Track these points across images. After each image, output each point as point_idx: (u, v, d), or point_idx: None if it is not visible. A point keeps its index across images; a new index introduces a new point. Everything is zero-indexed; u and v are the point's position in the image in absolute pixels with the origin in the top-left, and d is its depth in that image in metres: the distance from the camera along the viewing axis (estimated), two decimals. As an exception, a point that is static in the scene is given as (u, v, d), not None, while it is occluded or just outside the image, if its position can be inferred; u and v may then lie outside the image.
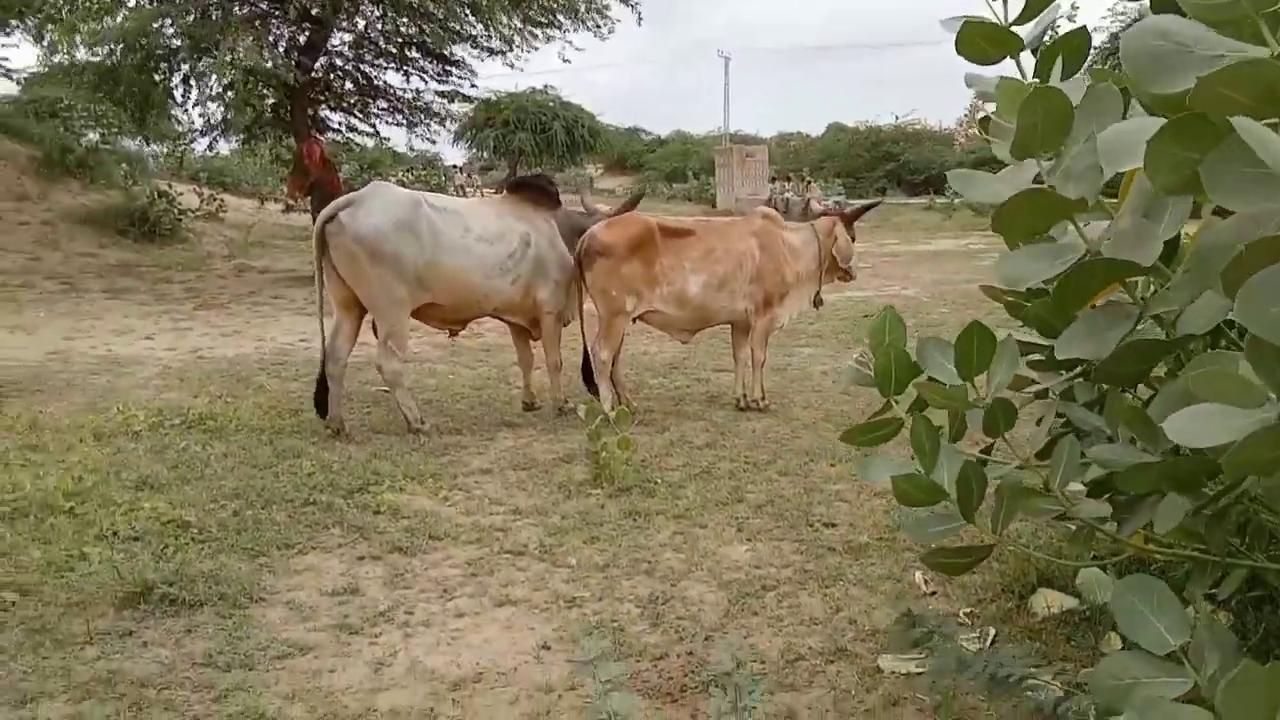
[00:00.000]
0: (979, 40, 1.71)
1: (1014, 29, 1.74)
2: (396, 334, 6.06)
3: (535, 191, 6.62)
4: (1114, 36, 22.74)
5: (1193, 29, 1.34)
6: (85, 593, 3.65)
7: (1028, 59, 1.87)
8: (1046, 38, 1.87)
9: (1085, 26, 1.77)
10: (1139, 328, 1.82)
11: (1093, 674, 1.65)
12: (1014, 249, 2.42)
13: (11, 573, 3.80)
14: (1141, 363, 1.87)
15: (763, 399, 6.68)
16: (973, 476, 1.91)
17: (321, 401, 6.06)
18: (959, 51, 1.74)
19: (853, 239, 6.83)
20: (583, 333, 6.59)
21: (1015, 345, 1.96)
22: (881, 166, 39.70)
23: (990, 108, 1.93)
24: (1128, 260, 1.66)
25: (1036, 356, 2.48)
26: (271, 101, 15.68)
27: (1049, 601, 3.35)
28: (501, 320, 6.74)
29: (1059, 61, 1.76)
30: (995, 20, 1.74)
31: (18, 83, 21.35)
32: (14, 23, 16.94)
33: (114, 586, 3.63)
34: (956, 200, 30.10)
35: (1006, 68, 1.81)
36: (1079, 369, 2.43)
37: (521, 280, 6.29)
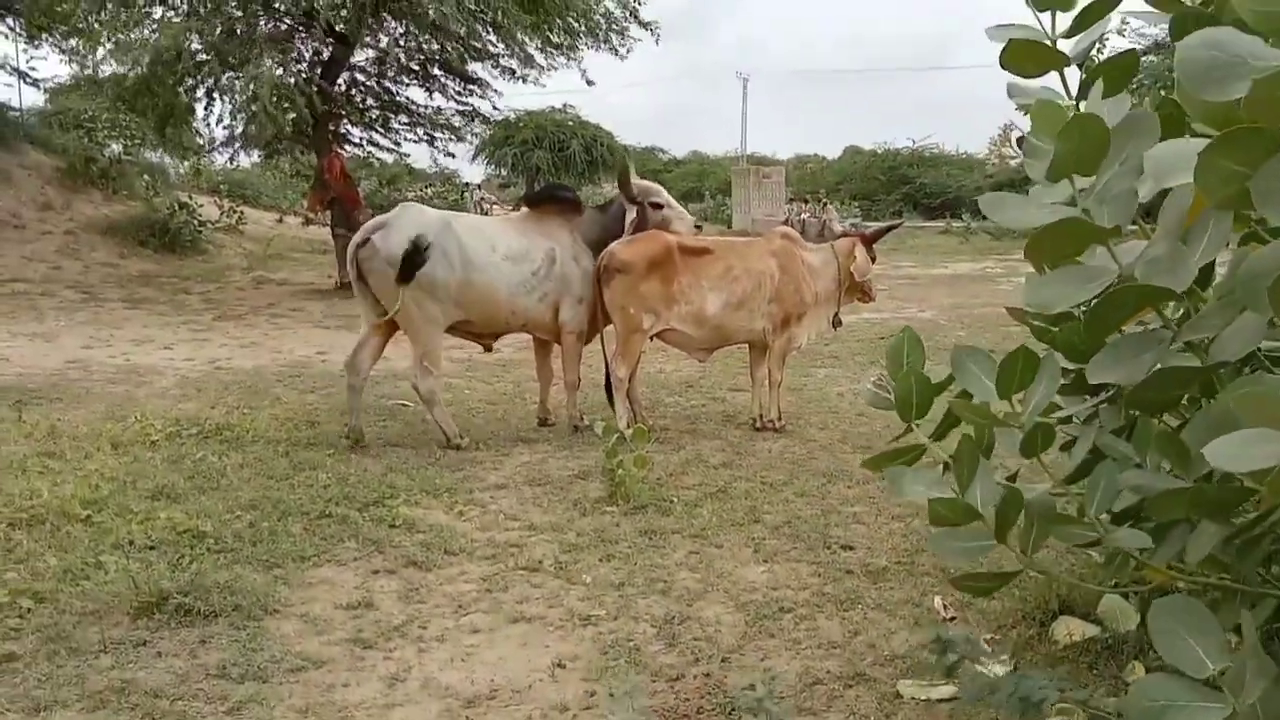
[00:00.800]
0: (1024, 57, 1.70)
1: (1060, 45, 1.73)
2: (431, 353, 6.12)
3: (555, 203, 6.63)
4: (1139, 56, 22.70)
5: (1247, 41, 1.32)
6: (101, 601, 3.65)
7: (1071, 74, 1.86)
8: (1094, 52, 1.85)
9: (1135, 50, 1.75)
10: (1170, 351, 1.80)
11: (1127, 696, 1.62)
12: (1042, 273, 2.41)
13: (28, 580, 3.80)
14: (1174, 389, 1.85)
15: (779, 419, 6.65)
16: (1011, 501, 1.89)
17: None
18: (1003, 65, 1.73)
19: (873, 260, 6.80)
20: (604, 349, 6.58)
21: (1057, 365, 1.93)
22: (898, 189, 39.66)
23: (1024, 125, 1.92)
24: (1161, 286, 1.64)
25: (1062, 381, 2.46)
26: (293, 116, 15.80)
27: (1070, 629, 3.30)
28: (530, 334, 6.75)
29: (1099, 81, 1.74)
30: (1042, 32, 1.73)
31: (44, 93, 21.66)
32: (43, 35, 17.16)
33: (129, 595, 3.62)
34: (974, 224, 30.07)
35: (1048, 78, 1.80)
36: (1106, 394, 2.40)
37: (550, 298, 6.33)
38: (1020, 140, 1.96)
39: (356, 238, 6.10)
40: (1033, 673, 2.90)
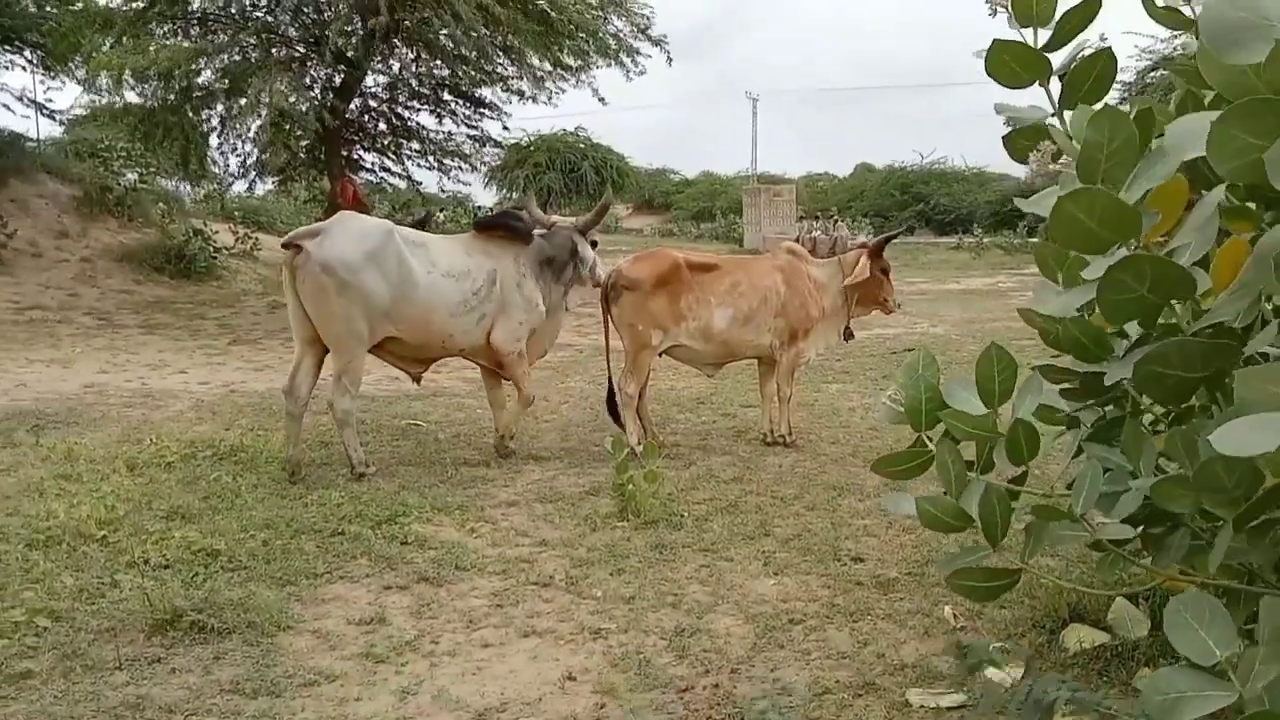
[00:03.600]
0: (1008, 61, 1.73)
1: (1042, 53, 1.75)
2: (352, 371, 5.77)
3: (504, 230, 6.32)
4: (1141, 74, 22.71)
5: (1274, 4, 1.33)
6: (116, 619, 3.69)
7: (1054, 86, 1.88)
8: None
9: (1110, 48, 1.78)
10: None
11: (1144, 690, 1.63)
12: (1052, 279, 2.42)
13: (44, 599, 3.84)
14: (1185, 368, 1.82)
15: (789, 434, 6.66)
16: (996, 500, 1.90)
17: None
18: (988, 72, 1.75)
19: (887, 271, 6.74)
20: (608, 367, 6.61)
21: (1039, 378, 1.94)
22: (910, 206, 39.66)
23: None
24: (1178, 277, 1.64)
25: (1067, 385, 2.47)
26: (306, 143, 15.97)
27: (1080, 637, 3.30)
28: (471, 361, 6.49)
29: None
30: (1025, 42, 1.75)
31: (61, 124, 21.95)
32: (59, 66, 17.41)
33: (144, 613, 3.66)
34: (985, 239, 30.06)
35: (1035, 95, 1.82)
36: (1111, 394, 2.41)
37: (486, 319, 6.06)
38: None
39: (288, 239, 5.76)
40: (1044, 677, 2.90)
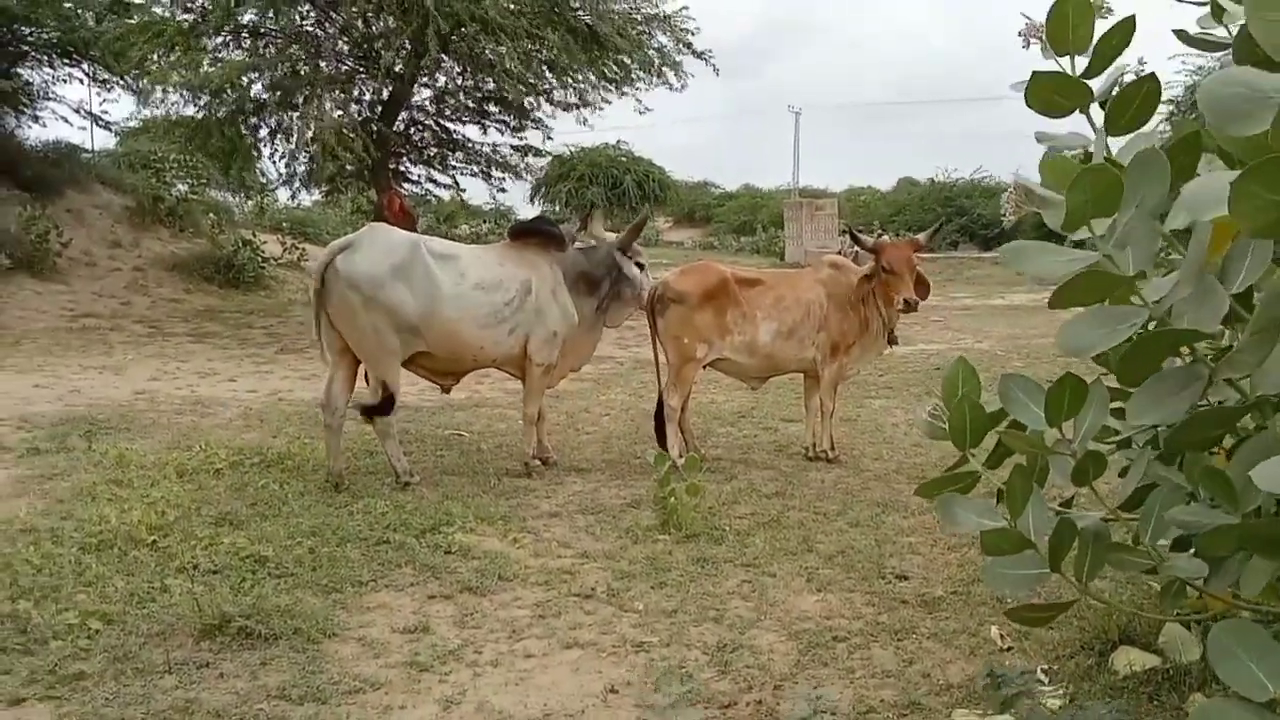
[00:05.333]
0: (1048, 91, 1.72)
1: (1083, 81, 1.74)
2: (389, 384, 5.77)
3: (539, 236, 6.31)
4: (1190, 89, 22.35)
5: (1270, 79, 1.33)
6: (165, 623, 3.75)
7: (1096, 113, 1.86)
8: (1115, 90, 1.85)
9: (1155, 73, 1.75)
10: (1211, 389, 1.77)
11: (1193, 718, 1.60)
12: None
13: (97, 602, 3.91)
14: (1214, 429, 1.82)
15: (832, 449, 6.62)
16: (1065, 530, 1.87)
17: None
18: (1028, 104, 1.74)
19: (890, 269, 6.27)
20: (659, 379, 6.61)
21: (1105, 391, 1.92)
22: (955, 220, 39.33)
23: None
24: (1190, 329, 1.62)
25: (1118, 404, 2.43)
26: (353, 155, 16.19)
27: (1131, 659, 3.24)
28: (504, 371, 6.46)
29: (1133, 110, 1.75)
30: (1065, 72, 1.74)
31: (115, 135, 22.45)
32: (115, 79, 17.82)
33: (193, 618, 3.72)
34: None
35: (1076, 121, 1.81)
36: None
37: (520, 330, 6.00)
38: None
39: (322, 257, 5.76)
40: (1091, 703, 2.85)
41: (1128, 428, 2.46)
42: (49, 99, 18.55)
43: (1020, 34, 1.91)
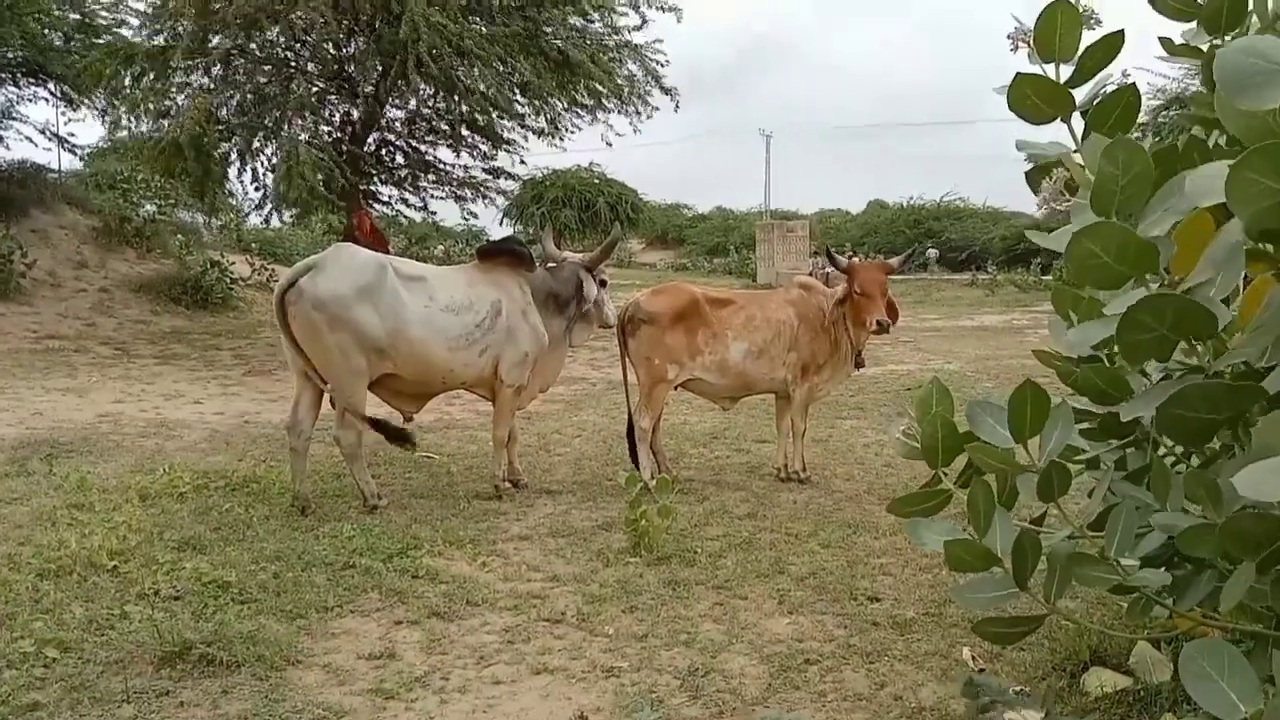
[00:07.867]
0: (1031, 95, 1.72)
1: (1066, 88, 1.74)
2: (354, 405, 5.68)
3: (508, 256, 6.27)
4: (1155, 113, 22.67)
5: None
6: (125, 651, 3.66)
7: (1077, 122, 1.87)
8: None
9: (1134, 83, 1.76)
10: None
11: None
12: (1067, 320, 2.40)
13: (54, 629, 3.82)
14: (1208, 410, 1.80)
15: (804, 470, 6.61)
16: (1028, 544, 1.86)
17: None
18: (1010, 107, 1.74)
19: (863, 292, 6.25)
20: (628, 401, 6.59)
21: (1070, 408, 1.91)
22: (924, 243, 39.70)
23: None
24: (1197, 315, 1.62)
25: (1087, 425, 2.43)
26: (323, 176, 16.09)
27: (1102, 680, 3.24)
28: (473, 393, 6.43)
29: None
30: (1048, 77, 1.74)
31: (81, 158, 22.23)
32: (82, 100, 17.65)
33: (153, 645, 3.63)
34: (999, 276, 30.02)
35: (1058, 131, 1.81)
36: (1132, 436, 2.37)
37: (491, 351, 5.95)
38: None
39: (285, 278, 5.67)
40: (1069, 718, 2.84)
41: (1096, 447, 2.47)
42: (13, 119, 18.37)
43: (1009, 37, 1.92)
